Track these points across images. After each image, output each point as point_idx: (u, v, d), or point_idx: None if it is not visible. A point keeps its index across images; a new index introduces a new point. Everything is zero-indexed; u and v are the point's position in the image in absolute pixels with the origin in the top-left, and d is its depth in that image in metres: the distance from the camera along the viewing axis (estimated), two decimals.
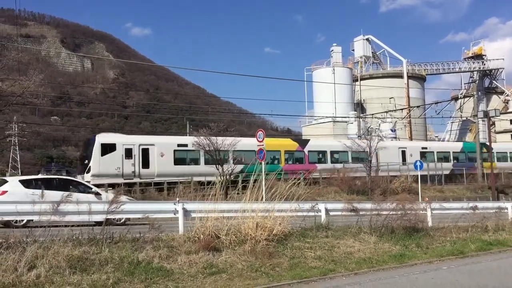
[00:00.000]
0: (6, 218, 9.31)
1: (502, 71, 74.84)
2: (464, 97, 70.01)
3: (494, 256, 11.31)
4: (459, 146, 44.83)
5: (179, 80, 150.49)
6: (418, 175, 27.83)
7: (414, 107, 56.64)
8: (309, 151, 35.92)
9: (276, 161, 33.52)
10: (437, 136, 72.85)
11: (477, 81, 72.79)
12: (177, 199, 11.79)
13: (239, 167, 28.31)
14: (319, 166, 35.49)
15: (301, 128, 63.45)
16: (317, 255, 9.58)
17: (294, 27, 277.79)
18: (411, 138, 54.61)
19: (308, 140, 39.23)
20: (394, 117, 53.11)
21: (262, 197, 10.92)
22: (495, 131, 66.32)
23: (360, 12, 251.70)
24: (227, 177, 26.09)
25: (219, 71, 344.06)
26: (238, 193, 18.51)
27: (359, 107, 62.83)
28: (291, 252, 9.51)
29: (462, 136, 70.15)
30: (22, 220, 11.33)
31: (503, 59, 76.05)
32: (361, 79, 64.08)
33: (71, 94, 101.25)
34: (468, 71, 73.59)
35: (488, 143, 37.63)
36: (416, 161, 28.53)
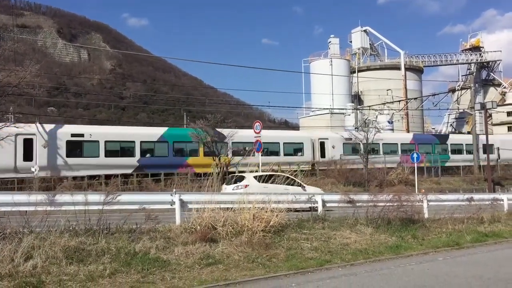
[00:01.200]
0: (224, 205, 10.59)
1: (499, 63, 74.87)
2: (462, 89, 70.02)
3: (489, 247, 11.37)
4: (158, 133, 29.79)
5: (176, 71, 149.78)
6: (414, 167, 27.85)
7: (412, 99, 56.50)
8: None
9: None
10: (434, 128, 72.95)
11: (475, 73, 72.82)
12: (174, 190, 11.78)
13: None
14: None
15: (299, 119, 63.47)
16: (313, 246, 9.61)
17: (292, 18, 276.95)
18: (408, 130, 54.60)
19: None
20: (392, 109, 53.07)
21: None
22: (492, 123, 66.43)
23: (358, 3, 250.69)
24: (224, 168, 26.10)
25: (216, 62, 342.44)
26: None
27: (357, 99, 62.80)
28: (287, 243, 9.53)
29: (459, 128, 70.26)
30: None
31: (500, 51, 76.09)
32: (359, 71, 64.01)
33: (68, 85, 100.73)
34: (465, 63, 73.56)
35: (485, 135, 37.63)
36: (413, 153, 28.51)
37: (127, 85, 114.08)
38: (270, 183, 15.89)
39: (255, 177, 18.32)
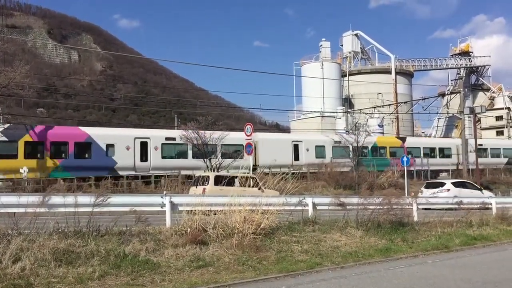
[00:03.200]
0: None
1: (488, 68, 75.63)
2: (451, 93, 70.53)
3: (478, 250, 11.46)
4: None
5: (167, 73, 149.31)
6: (404, 170, 27.99)
7: (402, 103, 56.91)
8: None
9: None
10: (423, 132, 73.41)
11: (464, 77, 73.41)
12: (164, 192, 11.75)
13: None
14: None
15: (290, 122, 63.52)
16: (304, 249, 9.62)
17: (284, 21, 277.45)
18: (398, 134, 54.91)
19: None
20: (382, 113, 53.32)
21: None
22: (480, 127, 67.05)
23: (350, 7, 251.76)
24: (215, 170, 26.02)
25: (207, 64, 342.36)
26: None
27: (347, 102, 63.01)
28: (278, 246, 9.53)
29: (448, 132, 70.77)
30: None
31: (489, 56, 76.99)
32: (350, 75, 64.25)
33: (58, 86, 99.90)
34: (455, 68, 74.15)
35: (474, 139, 37.93)
36: (403, 156, 28.66)
37: (117, 87, 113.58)
38: (462, 188, 21.21)
39: (452, 183, 22.88)
